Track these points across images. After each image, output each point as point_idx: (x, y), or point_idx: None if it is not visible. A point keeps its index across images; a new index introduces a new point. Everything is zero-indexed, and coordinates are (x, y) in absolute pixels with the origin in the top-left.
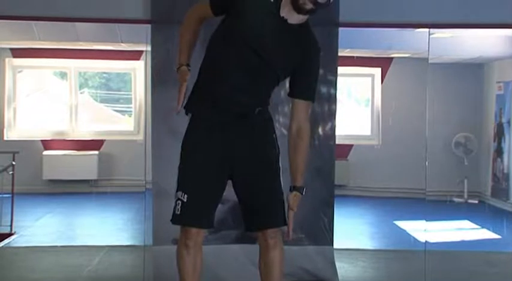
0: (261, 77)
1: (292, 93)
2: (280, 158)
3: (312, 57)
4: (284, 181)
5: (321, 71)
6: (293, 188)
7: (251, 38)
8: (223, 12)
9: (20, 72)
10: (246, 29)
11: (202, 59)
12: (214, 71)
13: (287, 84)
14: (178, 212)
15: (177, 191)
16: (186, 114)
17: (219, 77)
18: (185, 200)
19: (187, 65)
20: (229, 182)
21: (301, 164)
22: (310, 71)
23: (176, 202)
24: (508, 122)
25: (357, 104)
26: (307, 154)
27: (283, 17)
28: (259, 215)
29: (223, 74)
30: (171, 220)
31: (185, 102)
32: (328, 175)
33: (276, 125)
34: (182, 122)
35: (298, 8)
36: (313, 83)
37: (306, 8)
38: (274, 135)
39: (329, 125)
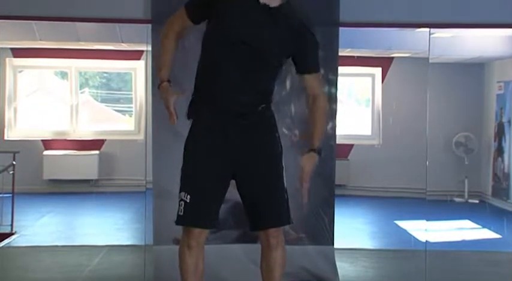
0: (259, 71)
1: (298, 70)
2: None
3: (304, 35)
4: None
5: (321, 71)
6: (309, 151)
7: (241, 34)
8: (204, 19)
9: (20, 72)
10: (234, 26)
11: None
12: (212, 72)
13: (287, 84)
14: (182, 213)
15: (180, 192)
16: (188, 118)
17: (218, 78)
18: (188, 201)
19: (168, 81)
20: (231, 182)
21: (319, 129)
22: (306, 47)
23: (179, 202)
24: (509, 122)
25: (357, 103)
26: (324, 120)
27: (264, 3)
28: (261, 214)
29: (221, 75)
30: (175, 221)
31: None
32: (328, 174)
33: (278, 124)
34: (183, 122)
35: None
36: (315, 56)
37: None
38: (276, 134)
39: (329, 125)
